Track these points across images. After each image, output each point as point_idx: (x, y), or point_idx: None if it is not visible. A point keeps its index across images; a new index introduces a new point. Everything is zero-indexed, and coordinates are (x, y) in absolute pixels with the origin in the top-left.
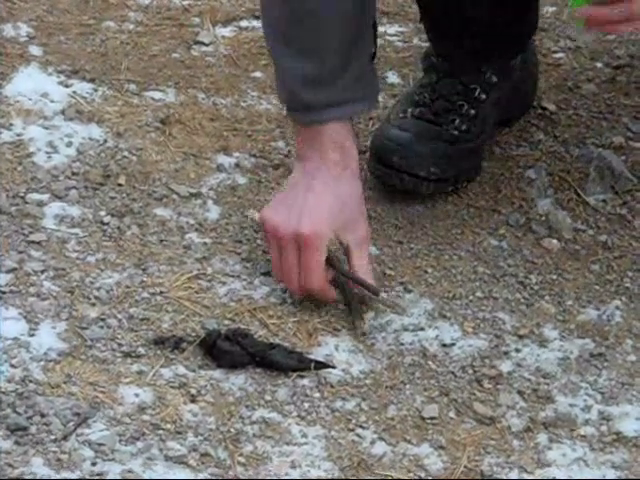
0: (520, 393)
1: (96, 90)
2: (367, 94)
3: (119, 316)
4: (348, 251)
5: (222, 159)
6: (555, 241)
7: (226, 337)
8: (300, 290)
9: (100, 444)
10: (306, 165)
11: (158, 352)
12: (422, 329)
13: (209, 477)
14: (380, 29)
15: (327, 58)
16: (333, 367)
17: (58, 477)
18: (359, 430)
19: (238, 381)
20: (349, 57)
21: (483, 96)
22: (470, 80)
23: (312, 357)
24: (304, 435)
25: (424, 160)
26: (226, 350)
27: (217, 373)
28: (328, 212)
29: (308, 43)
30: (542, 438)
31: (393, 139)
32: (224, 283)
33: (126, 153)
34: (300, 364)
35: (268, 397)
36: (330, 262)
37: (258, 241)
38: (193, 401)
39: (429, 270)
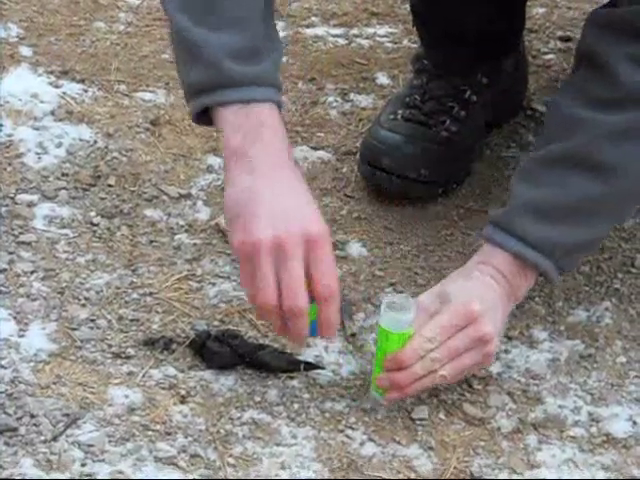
0: (510, 394)
1: (86, 91)
2: (281, 87)
3: (109, 317)
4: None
5: (212, 160)
6: None
7: (216, 338)
8: (301, 303)
9: (90, 445)
10: (253, 163)
11: (148, 353)
12: None
13: (199, 478)
14: (370, 30)
15: (254, 29)
16: (322, 368)
17: (48, 478)
18: (349, 431)
19: (228, 382)
20: (271, 39)
21: (474, 98)
22: (461, 82)
23: (302, 358)
24: (294, 436)
25: (414, 162)
26: (216, 351)
27: (207, 374)
28: (313, 205)
29: (228, 15)
30: (532, 439)
31: (383, 141)
32: (214, 284)
33: (116, 154)
34: (290, 365)
35: (258, 398)
36: None
37: None
38: (183, 402)
39: (419, 271)
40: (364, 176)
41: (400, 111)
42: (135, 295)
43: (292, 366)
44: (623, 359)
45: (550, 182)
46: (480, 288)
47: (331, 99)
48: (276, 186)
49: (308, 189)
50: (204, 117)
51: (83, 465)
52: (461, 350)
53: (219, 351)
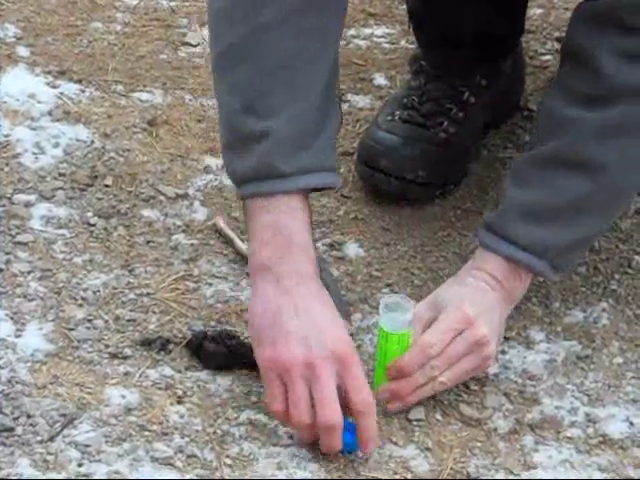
0: (506, 395)
1: (83, 91)
2: (333, 165)
3: (106, 317)
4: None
5: (209, 160)
6: None
7: (212, 338)
8: (340, 424)
9: (86, 445)
10: (281, 283)
11: (144, 353)
12: None
13: (195, 478)
14: (367, 31)
15: (300, 119)
16: None
17: (44, 478)
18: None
19: (224, 382)
20: (321, 122)
21: (472, 99)
22: (459, 83)
23: None
24: (290, 436)
25: (412, 163)
26: (212, 351)
27: (203, 374)
28: (339, 323)
29: (281, 99)
30: (528, 440)
31: (381, 142)
32: (211, 284)
33: (113, 154)
34: None
35: (254, 398)
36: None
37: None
38: (179, 402)
39: (416, 272)
40: (362, 177)
41: (398, 112)
42: (132, 295)
43: None
44: (620, 360)
45: (540, 183)
46: (474, 293)
47: None
48: (300, 302)
49: (330, 300)
50: None
51: (80, 465)
52: (460, 355)
53: (216, 351)
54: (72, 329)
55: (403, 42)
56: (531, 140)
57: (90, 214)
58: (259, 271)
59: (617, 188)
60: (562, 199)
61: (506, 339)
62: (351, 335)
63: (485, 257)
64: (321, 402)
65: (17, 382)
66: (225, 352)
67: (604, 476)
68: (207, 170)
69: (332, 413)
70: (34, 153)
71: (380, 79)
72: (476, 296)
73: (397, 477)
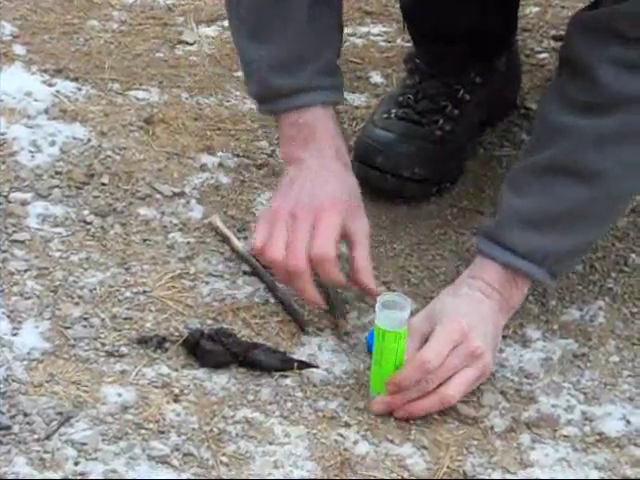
0: (503, 393)
1: (80, 89)
2: (336, 86)
3: (102, 315)
4: (352, 240)
5: (206, 159)
6: None
7: (209, 337)
8: (304, 262)
9: (83, 443)
10: (303, 164)
11: (141, 351)
12: None
13: (192, 477)
14: (363, 29)
15: (294, 42)
16: (316, 367)
17: (41, 477)
18: (342, 430)
19: (221, 381)
20: (318, 47)
21: (467, 97)
22: (454, 81)
23: (295, 357)
24: (287, 435)
25: (408, 161)
26: (209, 350)
27: (200, 373)
28: (338, 193)
29: (275, 29)
30: (525, 438)
31: (377, 139)
32: (207, 283)
33: (110, 152)
34: (283, 364)
35: (251, 397)
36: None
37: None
38: (176, 401)
39: (412, 270)
40: (358, 175)
41: (394, 110)
42: (128, 294)
43: (285, 365)
44: (616, 358)
45: (538, 191)
46: (468, 304)
47: None
48: (317, 179)
49: (347, 181)
50: None
51: (76, 464)
52: (457, 367)
53: (212, 350)
54: (68, 327)
55: (399, 40)
56: (527, 146)
57: (86, 212)
58: (288, 161)
59: (614, 195)
60: (560, 206)
61: (503, 337)
62: (347, 334)
63: (483, 265)
64: (289, 245)
65: (13, 380)
66: (222, 350)
67: (601, 474)
68: (203, 168)
69: (295, 257)
70: (30, 151)
71: (376, 77)
72: (471, 307)
73: (394, 476)
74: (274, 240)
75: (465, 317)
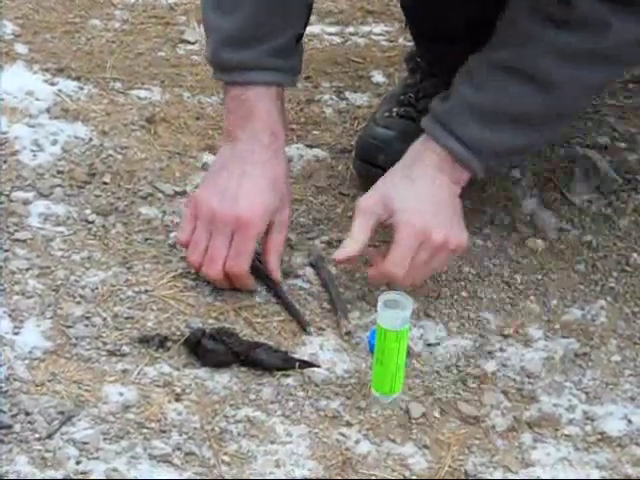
0: (504, 393)
1: (81, 88)
2: (287, 69)
3: (104, 314)
4: (270, 229)
5: (207, 158)
6: (540, 241)
7: (211, 336)
8: (220, 275)
9: (84, 442)
10: (237, 146)
11: (143, 351)
12: None
13: (193, 476)
14: (365, 28)
15: (252, 20)
16: (318, 366)
17: (42, 476)
18: (343, 429)
19: (223, 380)
20: (274, 27)
21: None
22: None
23: (297, 356)
24: (289, 434)
25: None
26: (210, 349)
27: (202, 372)
28: (262, 196)
29: (237, 2)
30: (526, 438)
31: (378, 138)
32: (209, 282)
33: (111, 151)
34: (285, 363)
35: (253, 396)
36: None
37: None
38: (177, 400)
39: None
40: (359, 173)
41: (395, 109)
42: (130, 293)
43: (287, 364)
44: (618, 358)
45: (494, 87)
46: (424, 188)
47: (326, 97)
48: (245, 166)
49: (275, 172)
50: None
51: (78, 463)
52: (427, 260)
53: (214, 349)
54: (70, 326)
55: (401, 40)
56: (491, 43)
57: (88, 211)
58: (224, 135)
59: (564, 106)
60: (511, 106)
61: (504, 336)
62: (348, 333)
63: (430, 146)
64: (209, 254)
65: (15, 379)
66: (223, 349)
67: (602, 474)
68: (205, 167)
69: (213, 271)
70: (32, 150)
71: (378, 76)
72: (426, 190)
73: (395, 475)
74: (196, 244)
75: (423, 208)
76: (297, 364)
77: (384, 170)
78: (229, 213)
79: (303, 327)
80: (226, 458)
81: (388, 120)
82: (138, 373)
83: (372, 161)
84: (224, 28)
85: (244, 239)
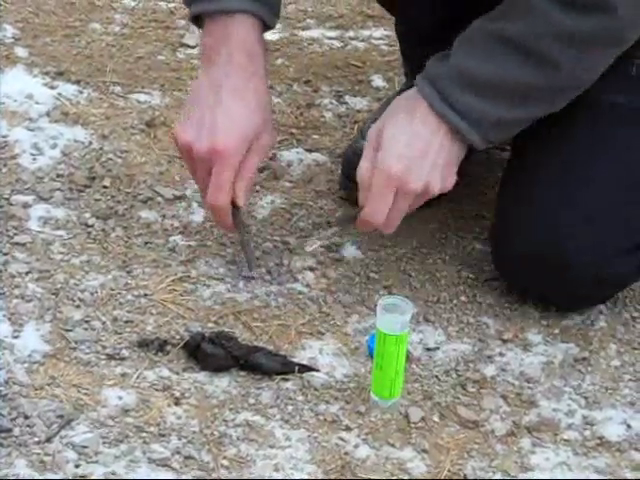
0: (504, 397)
1: (81, 92)
2: (267, 2)
3: (103, 318)
4: (249, 151)
5: None
6: None
7: (210, 340)
8: (209, 207)
9: (83, 446)
10: (212, 70)
11: (142, 354)
12: None
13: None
14: (365, 32)
15: None
16: (317, 370)
17: (41, 479)
18: (343, 433)
19: (222, 384)
20: None
21: None
22: None
23: (296, 360)
24: (288, 438)
25: None
26: (210, 353)
27: (201, 376)
28: (239, 126)
29: None
30: (525, 442)
31: (359, 154)
32: (208, 286)
33: (111, 155)
34: (284, 367)
35: (252, 400)
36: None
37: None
38: (177, 404)
39: (413, 274)
40: (341, 188)
41: None
42: (129, 296)
43: (286, 368)
44: (617, 362)
45: (492, 58)
46: (417, 129)
47: (326, 101)
48: (220, 91)
49: (253, 95)
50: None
51: (77, 466)
52: (406, 207)
53: (213, 353)
54: (69, 330)
55: None
56: (496, 12)
57: (88, 215)
58: (202, 56)
59: (562, 88)
60: (509, 80)
61: (503, 341)
62: (348, 336)
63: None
64: (214, 186)
65: (14, 383)
66: (222, 353)
67: (601, 478)
68: None
69: (218, 198)
70: (32, 154)
71: (378, 81)
72: (420, 133)
73: (394, 479)
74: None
75: (406, 153)
76: (296, 368)
77: None
78: (204, 148)
79: (249, 267)
80: (225, 462)
81: None
82: (137, 377)
83: (351, 177)
84: None
85: (221, 171)
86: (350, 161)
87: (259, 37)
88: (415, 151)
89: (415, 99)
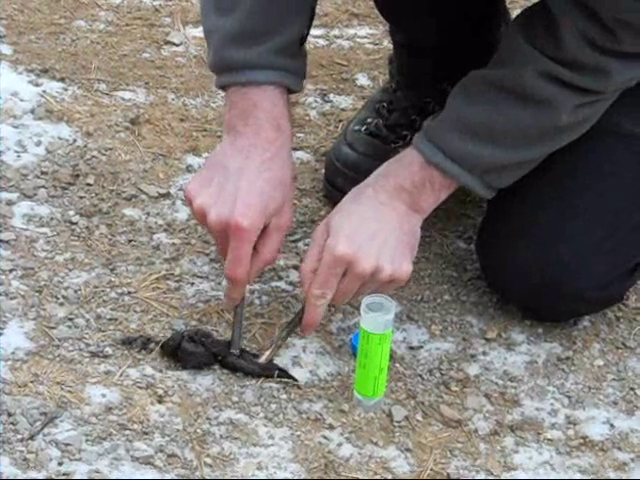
0: (487, 396)
1: (66, 89)
2: (292, 70)
3: (87, 316)
4: (265, 232)
5: (191, 160)
6: None
7: (190, 338)
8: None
9: (67, 444)
10: (238, 140)
11: (125, 352)
12: None
13: (175, 478)
14: (350, 31)
15: (253, 16)
16: (295, 380)
17: (24, 477)
18: (326, 432)
19: (205, 382)
20: (277, 24)
21: (438, 108)
22: (425, 93)
23: (278, 360)
24: (271, 436)
25: None
26: (191, 351)
27: (184, 374)
28: (260, 201)
29: (237, 1)
30: (509, 441)
31: (341, 159)
32: (192, 284)
33: (95, 153)
34: (264, 371)
35: (235, 398)
36: None
37: None
38: (160, 402)
39: None
40: (325, 193)
41: (369, 119)
42: (113, 294)
43: (266, 372)
44: (600, 362)
45: (486, 103)
46: (367, 214)
47: (311, 100)
48: (243, 164)
49: (280, 172)
50: None
51: (60, 464)
52: (354, 289)
53: (194, 351)
54: (53, 328)
55: (386, 42)
56: (492, 60)
57: (72, 213)
58: (226, 128)
59: (554, 127)
60: (505, 124)
61: (487, 340)
62: (332, 334)
63: (403, 161)
64: (234, 259)
65: None
66: (203, 351)
67: (584, 478)
68: (189, 169)
69: (237, 271)
70: (16, 151)
71: (363, 79)
72: (370, 213)
73: (377, 478)
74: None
75: (354, 236)
76: (276, 373)
77: (344, 193)
78: (222, 217)
79: (233, 346)
80: (208, 460)
81: (356, 136)
82: (121, 375)
83: (333, 183)
84: (225, 27)
85: (240, 246)
86: (331, 165)
87: (285, 108)
88: (366, 232)
89: (387, 167)
